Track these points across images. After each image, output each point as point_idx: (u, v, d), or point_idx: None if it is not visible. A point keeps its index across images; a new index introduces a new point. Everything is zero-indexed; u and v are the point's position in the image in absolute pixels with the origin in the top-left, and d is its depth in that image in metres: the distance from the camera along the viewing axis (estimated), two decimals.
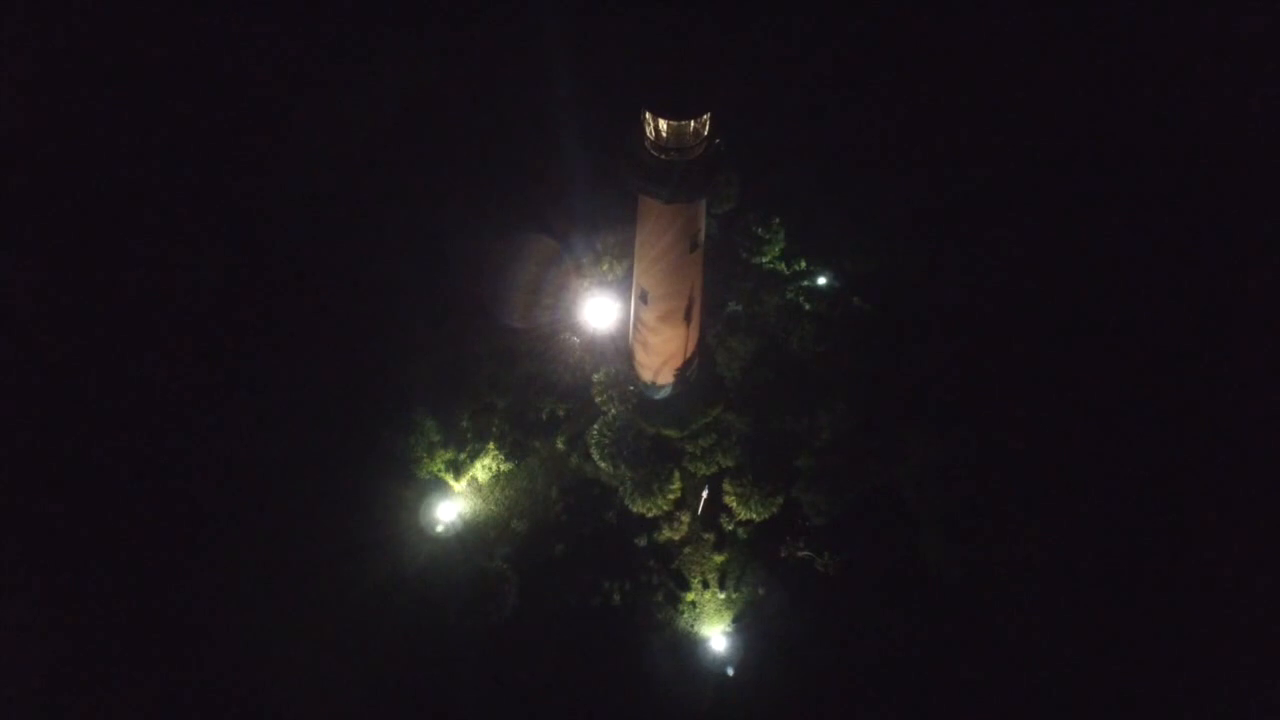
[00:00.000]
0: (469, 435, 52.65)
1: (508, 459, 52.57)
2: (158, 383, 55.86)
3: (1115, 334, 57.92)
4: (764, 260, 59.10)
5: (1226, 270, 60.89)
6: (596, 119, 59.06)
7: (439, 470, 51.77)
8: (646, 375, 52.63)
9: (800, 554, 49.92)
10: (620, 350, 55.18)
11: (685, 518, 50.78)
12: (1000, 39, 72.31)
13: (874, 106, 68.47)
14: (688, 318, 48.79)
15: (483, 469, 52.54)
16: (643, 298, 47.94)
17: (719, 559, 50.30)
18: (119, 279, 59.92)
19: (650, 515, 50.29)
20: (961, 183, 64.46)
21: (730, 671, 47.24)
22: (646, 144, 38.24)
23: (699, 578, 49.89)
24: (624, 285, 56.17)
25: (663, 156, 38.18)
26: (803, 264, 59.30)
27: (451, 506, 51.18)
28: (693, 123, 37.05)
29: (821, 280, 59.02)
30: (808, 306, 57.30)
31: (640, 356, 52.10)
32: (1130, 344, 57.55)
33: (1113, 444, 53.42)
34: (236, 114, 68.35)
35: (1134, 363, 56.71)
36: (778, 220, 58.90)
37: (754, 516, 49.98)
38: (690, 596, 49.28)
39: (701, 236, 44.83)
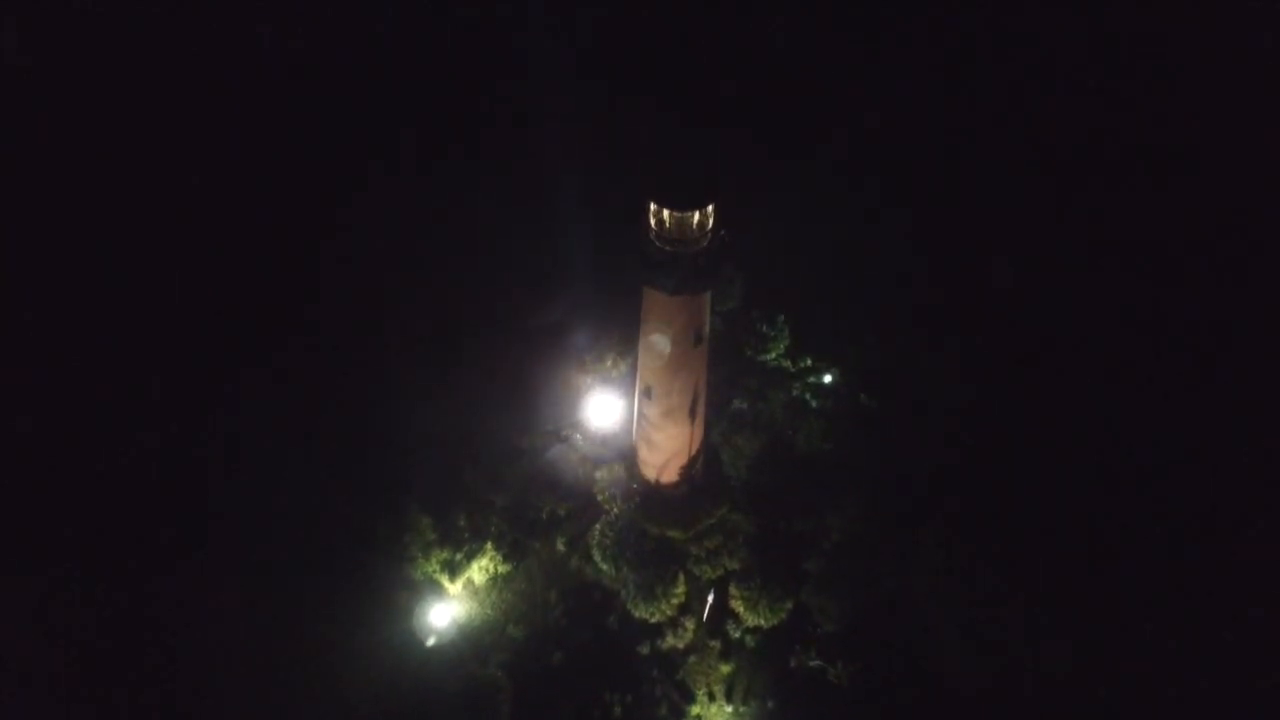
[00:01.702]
0: (466, 534, 50.94)
1: (505, 560, 50.82)
2: (138, 470, 54.66)
3: (1132, 427, 56.89)
4: (769, 357, 58.73)
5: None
6: (601, 212, 59.97)
7: (434, 571, 49.91)
8: (650, 473, 51.63)
9: (811, 663, 47.48)
10: (624, 448, 54.32)
11: (690, 624, 48.73)
12: (1001, 134, 74.50)
13: (877, 203, 69.65)
14: (692, 414, 48.33)
15: (479, 570, 50.63)
16: (646, 393, 47.56)
17: (726, 668, 47.88)
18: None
19: (653, 621, 48.29)
20: (966, 278, 64.83)
21: None
22: (652, 235, 38.59)
23: (705, 689, 47.28)
24: (627, 382, 55.75)
25: (668, 248, 38.49)
26: (808, 361, 58.92)
27: (446, 610, 49.07)
28: (697, 214, 37.42)
29: (827, 378, 58.58)
30: (814, 404, 56.80)
31: (644, 454, 51.28)
32: (1150, 434, 56.44)
33: (1140, 543, 51.57)
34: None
35: (1155, 453, 55.46)
36: (782, 318, 58.92)
37: (762, 622, 47.97)
38: (696, 710, 46.58)
39: (706, 330, 44.79)
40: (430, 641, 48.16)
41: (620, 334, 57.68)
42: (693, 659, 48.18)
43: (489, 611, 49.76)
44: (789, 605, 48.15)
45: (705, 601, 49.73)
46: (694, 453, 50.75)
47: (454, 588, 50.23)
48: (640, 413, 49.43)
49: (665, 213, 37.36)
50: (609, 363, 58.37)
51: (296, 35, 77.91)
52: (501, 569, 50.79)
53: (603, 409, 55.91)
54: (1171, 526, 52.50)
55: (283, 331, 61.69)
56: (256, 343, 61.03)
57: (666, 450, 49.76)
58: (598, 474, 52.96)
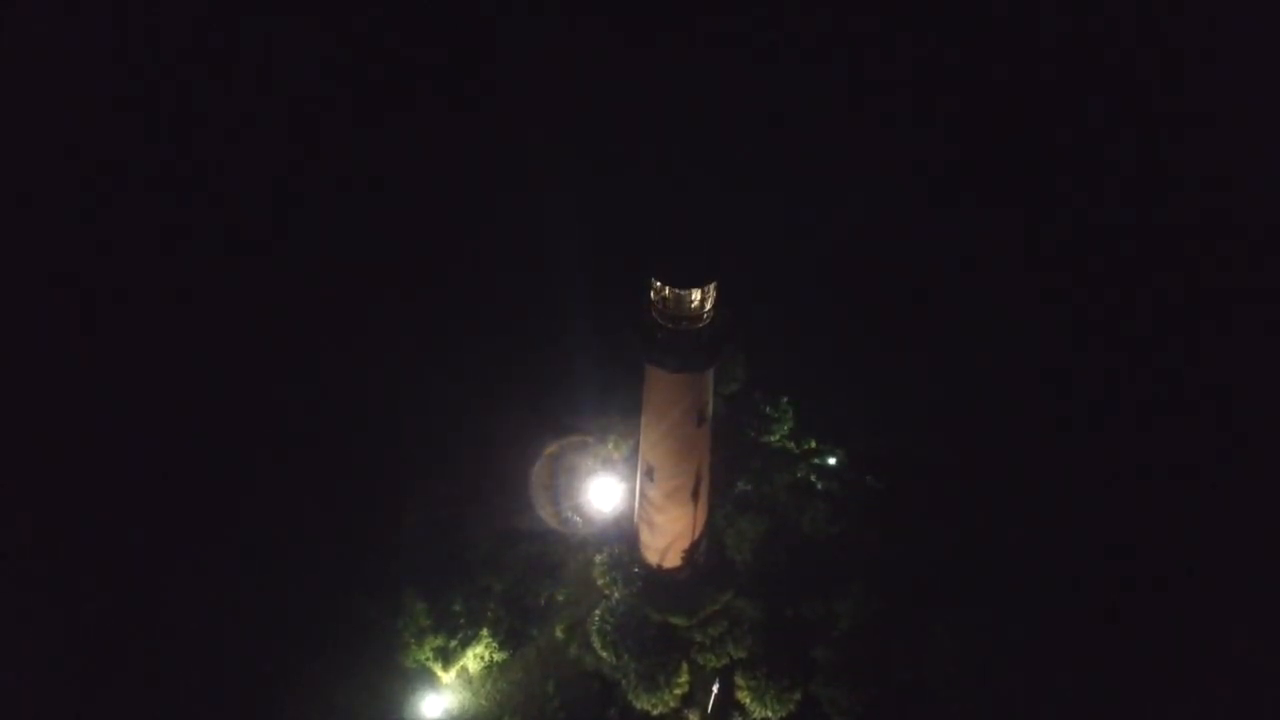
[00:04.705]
0: (462, 620, 49.27)
1: (502, 648, 49.25)
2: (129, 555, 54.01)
3: (1152, 510, 56.05)
4: (773, 439, 58.19)
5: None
6: (602, 291, 60.47)
7: (427, 659, 48.21)
8: (653, 557, 50.58)
9: None
10: (625, 531, 53.40)
11: (694, 716, 47.23)
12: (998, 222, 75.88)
13: (879, 284, 70.38)
14: (695, 496, 47.47)
15: (474, 658, 48.97)
16: (649, 474, 46.85)
17: None
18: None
19: (656, 713, 46.73)
20: (969, 359, 64.84)
21: None
22: (654, 313, 38.56)
23: None
24: (629, 465, 55.26)
25: (670, 325, 38.40)
26: (813, 443, 58.38)
27: (438, 701, 47.47)
28: (699, 291, 37.46)
29: (832, 460, 57.87)
30: (819, 486, 55.93)
31: (646, 537, 50.33)
32: (1171, 515, 55.65)
33: (1169, 623, 50.42)
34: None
35: (1176, 529, 54.69)
36: (785, 400, 58.63)
37: (769, 714, 46.33)
38: None
39: (709, 410, 44.32)
40: None
41: (621, 414, 57.32)
42: None
43: (484, 703, 48.08)
44: (797, 696, 46.63)
45: (710, 692, 48.12)
46: (697, 536, 49.72)
47: (447, 677, 48.54)
48: (642, 494, 48.60)
49: (666, 289, 37.45)
50: (610, 444, 57.95)
51: None
52: (498, 657, 49.23)
53: (604, 491, 55.39)
54: (1204, 610, 51.37)
55: (287, 415, 61.71)
56: (264, 416, 61.32)
57: (669, 533, 48.78)
58: (598, 558, 51.94)
